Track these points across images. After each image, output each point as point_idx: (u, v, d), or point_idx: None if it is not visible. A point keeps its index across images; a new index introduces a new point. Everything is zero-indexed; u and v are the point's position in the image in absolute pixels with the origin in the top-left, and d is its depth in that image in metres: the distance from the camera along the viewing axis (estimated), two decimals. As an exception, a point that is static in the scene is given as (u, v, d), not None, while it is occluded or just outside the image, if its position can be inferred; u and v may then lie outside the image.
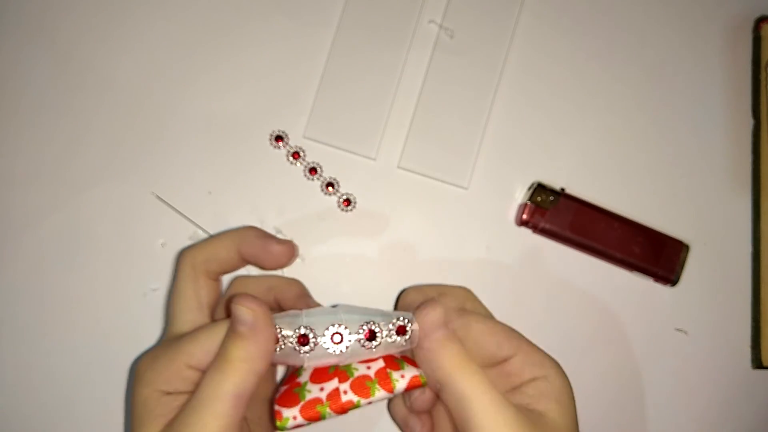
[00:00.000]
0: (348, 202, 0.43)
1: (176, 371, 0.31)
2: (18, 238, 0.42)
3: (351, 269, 0.43)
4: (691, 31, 0.46)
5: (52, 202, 0.43)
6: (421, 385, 0.32)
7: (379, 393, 0.32)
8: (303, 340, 0.31)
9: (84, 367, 0.42)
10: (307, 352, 0.31)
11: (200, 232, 0.43)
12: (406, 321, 0.32)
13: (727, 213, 0.45)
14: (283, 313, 0.32)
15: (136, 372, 0.32)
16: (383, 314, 0.33)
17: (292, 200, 0.43)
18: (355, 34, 0.44)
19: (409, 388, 0.32)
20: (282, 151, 0.43)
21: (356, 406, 0.31)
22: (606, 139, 0.45)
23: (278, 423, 0.31)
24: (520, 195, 0.44)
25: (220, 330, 0.31)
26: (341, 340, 0.31)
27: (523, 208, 0.43)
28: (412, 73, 0.44)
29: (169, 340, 0.33)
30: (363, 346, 0.32)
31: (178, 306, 0.34)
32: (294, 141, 0.44)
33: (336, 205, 0.43)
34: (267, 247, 0.35)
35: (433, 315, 0.32)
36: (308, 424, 0.31)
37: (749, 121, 0.45)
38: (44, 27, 0.44)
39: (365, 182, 0.44)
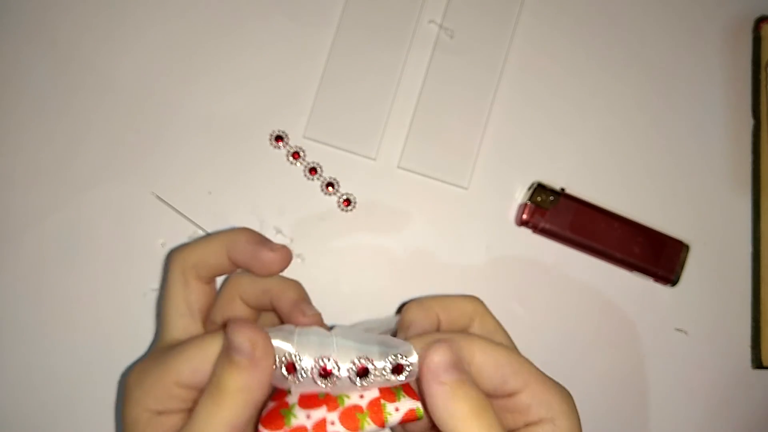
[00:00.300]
0: (348, 202, 0.43)
1: (165, 389, 0.29)
2: (18, 238, 0.42)
3: (351, 269, 0.43)
4: (691, 31, 0.46)
5: (52, 202, 0.43)
6: (417, 419, 0.30)
7: (369, 427, 0.30)
8: (290, 368, 0.29)
9: (84, 367, 0.42)
10: (293, 382, 0.29)
11: (200, 232, 0.43)
12: (404, 359, 0.30)
13: (727, 213, 0.45)
14: (275, 329, 0.30)
15: (125, 387, 0.31)
16: (382, 344, 0.30)
17: (292, 200, 0.43)
18: (355, 34, 0.44)
19: (404, 422, 0.30)
20: (282, 151, 0.43)
21: None
22: (606, 139, 0.45)
23: None
24: (520, 195, 0.44)
25: (211, 346, 0.29)
26: (330, 374, 0.29)
27: (523, 208, 0.43)
28: (412, 73, 0.44)
29: (160, 350, 0.32)
30: (354, 382, 0.29)
31: (169, 311, 0.33)
32: (294, 141, 0.44)
33: (336, 205, 0.43)
34: (257, 255, 0.33)
35: (439, 359, 0.28)
36: None
37: (749, 121, 0.45)
38: (44, 27, 0.44)
39: (365, 182, 0.44)
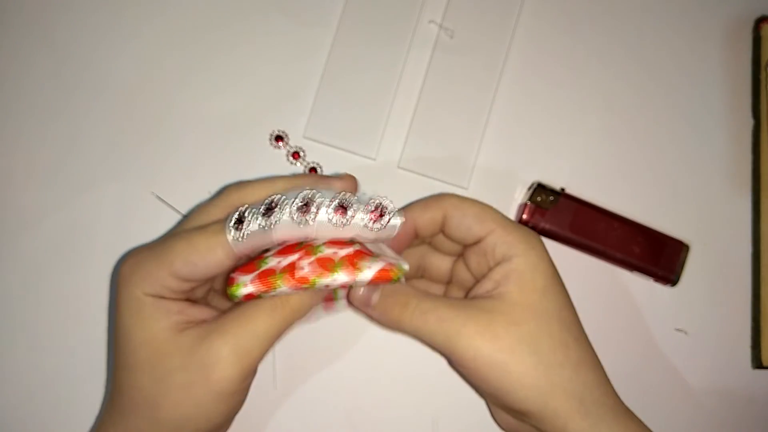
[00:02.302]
0: (348, 202, 0.43)
1: (160, 280, 0.30)
2: (17, 238, 0.42)
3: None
4: (691, 31, 0.46)
5: (51, 202, 0.43)
6: (392, 280, 0.30)
7: (339, 276, 0.30)
8: (268, 212, 0.30)
9: (84, 367, 0.42)
10: (272, 224, 0.29)
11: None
12: (387, 207, 0.30)
13: (727, 213, 0.45)
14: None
15: (119, 274, 0.31)
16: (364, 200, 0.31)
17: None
18: (355, 34, 0.44)
19: (377, 280, 0.30)
20: (282, 151, 0.43)
21: (311, 285, 0.30)
22: (606, 139, 0.45)
23: (229, 290, 0.30)
24: (520, 195, 0.44)
25: (218, 240, 0.30)
26: (308, 208, 0.29)
27: (523, 208, 0.43)
28: (412, 73, 0.44)
29: (161, 239, 0.32)
30: (330, 220, 0.30)
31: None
32: (294, 141, 0.44)
33: (336, 205, 0.43)
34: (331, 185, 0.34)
35: (359, 298, 0.34)
36: (261, 295, 0.30)
37: (749, 121, 0.45)
38: (43, 27, 0.44)
39: (365, 182, 0.43)
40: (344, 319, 0.42)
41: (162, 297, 0.31)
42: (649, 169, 0.45)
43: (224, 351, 0.30)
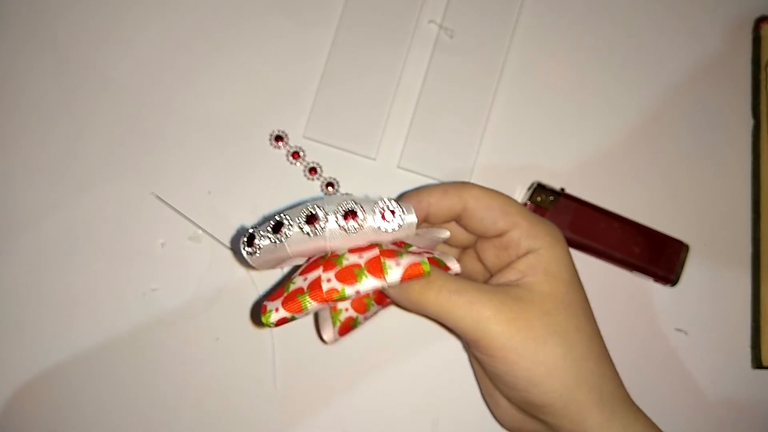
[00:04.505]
0: (348, 202, 0.43)
1: None
2: (18, 238, 0.42)
3: (351, 269, 0.43)
4: (691, 31, 0.46)
5: (51, 202, 0.43)
6: (423, 274, 0.30)
7: (367, 281, 0.29)
8: (276, 228, 0.29)
9: (83, 366, 0.42)
10: (283, 237, 0.29)
11: (200, 232, 0.42)
12: (394, 205, 0.29)
13: (727, 213, 0.45)
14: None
15: None
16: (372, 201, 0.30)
17: (292, 200, 0.43)
18: (355, 34, 0.44)
19: (408, 278, 0.30)
20: (282, 151, 0.43)
21: (341, 296, 0.29)
22: (606, 139, 0.45)
23: (263, 318, 0.30)
24: (520, 195, 0.44)
25: None
26: (316, 220, 0.29)
27: (523, 208, 0.43)
28: (411, 73, 0.44)
29: None
30: (341, 227, 0.29)
31: None
32: (294, 141, 0.44)
33: (336, 205, 0.43)
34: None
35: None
36: (293, 317, 0.30)
37: (749, 121, 0.45)
38: (44, 27, 0.44)
39: (365, 182, 0.43)
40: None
41: None
42: (649, 169, 0.45)
43: None
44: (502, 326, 0.31)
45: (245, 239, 0.30)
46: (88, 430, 0.41)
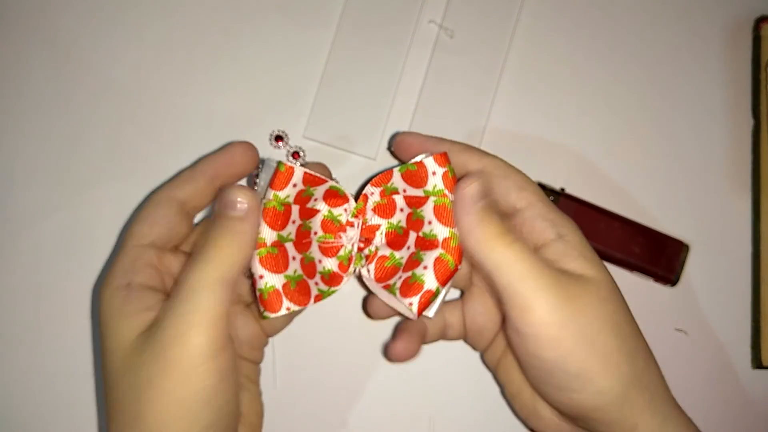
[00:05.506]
0: (348, 202, 0.43)
1: (128, 257, 0.30)
2: (18, 238, 0.42)
3: (351, 269, 0.43)
4: (691, 31, 0.46)
5: (52, 202, 0.43)
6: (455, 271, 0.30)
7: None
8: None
9: (83, 367, 0.42)
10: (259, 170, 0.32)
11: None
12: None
13: (727, 213, 0.45)
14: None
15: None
16: None
17: (292, 200, 0.43)
18: (354, 34, 0.44)
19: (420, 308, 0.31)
20: (282, 151, 0.43)
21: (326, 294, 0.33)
22: (606, 139, 0.45)
23: (263, 314, 0.31)
24: (520, 195, 0.44)
25: (162, 202, 0.31)
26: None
27: (523, 208, 0.43)
28: (412, 73, 0.44)
29: None
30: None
31: None
32: (294, 141, 0.44)
33: (336, 205, 0.43)
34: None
35: (469, 190, 0.29)
36: (300, 309, 0.32)
37: (749, 121, 0.45)
38: (43, 27, 0.44)
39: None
40: (343, 319, 0.42)
41: (133, 285, 0.29)
42: (649, 169, 0.45)
43: (183, 325, 0.26)
44: (557, 311, 0.27)
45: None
46: (87, 430, 0.41)
